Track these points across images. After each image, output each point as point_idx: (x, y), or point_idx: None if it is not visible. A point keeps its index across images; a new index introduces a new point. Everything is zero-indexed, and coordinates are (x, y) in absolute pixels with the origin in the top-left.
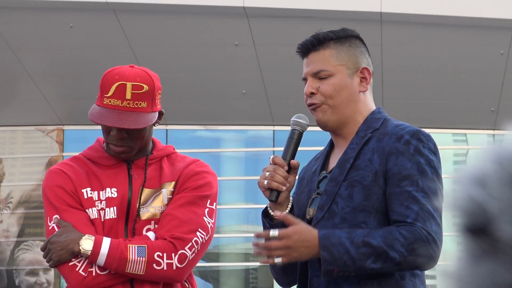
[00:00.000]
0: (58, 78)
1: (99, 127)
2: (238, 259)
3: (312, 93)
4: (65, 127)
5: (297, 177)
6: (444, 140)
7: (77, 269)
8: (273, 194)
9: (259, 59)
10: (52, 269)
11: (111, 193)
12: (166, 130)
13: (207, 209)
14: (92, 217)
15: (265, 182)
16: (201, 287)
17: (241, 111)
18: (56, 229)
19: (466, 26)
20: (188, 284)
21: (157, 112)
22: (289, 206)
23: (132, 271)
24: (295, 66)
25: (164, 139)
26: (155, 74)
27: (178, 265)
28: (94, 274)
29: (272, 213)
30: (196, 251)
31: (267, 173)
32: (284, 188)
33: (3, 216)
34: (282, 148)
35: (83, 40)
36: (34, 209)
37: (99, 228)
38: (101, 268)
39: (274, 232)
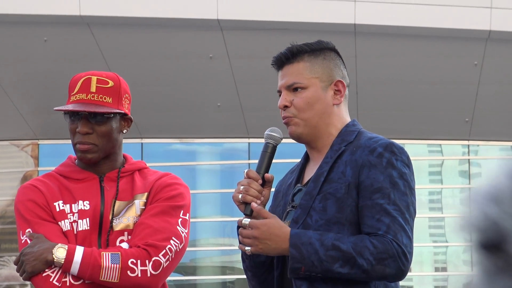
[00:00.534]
0: (32, 91)
1: None
2: (215, 272)
3: (286, 106)
4: (40, 142)
5: (272, 189)
6: (419, 151)
7: (50, 280)
8: (248, 208)
9: (233, 72)
10: (29, 284)
11: (84, 205)
12: (142, 143)
13: (180, 219)
14: (65, 229)
15: (240, 196)
16: None
17: (216, 123)
18: (29, 242)
19: (440, 37)
20: None
21: (124, 114)
22: None
23: (106, 278)
24: (270, 78)
25: (140, 152)
26: (124, 80)
27: (153, 272)
28: (68, 284)
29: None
30: (170, 259)
31: (242, 187)
32: (258, 201)
33: None
34: (258, 161)
35: (57, 53)
36: (10, 225)
37: (72, 240)
38: (75, 278)
39: (245, 221)
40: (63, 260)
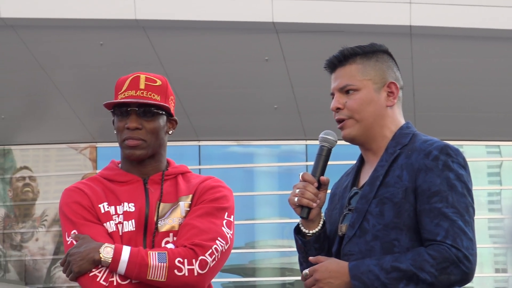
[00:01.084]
0: (89, 95)
1: None
2: (274, 274)
3: (338, 108)
4: (98, 145)
5: (328, 191)
6: (478, 152)
7: (98, 279)
8: (304, 211)
9: (289, 74)
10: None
11: (129, 207)
12: (199, 146)
13: (225, 221)
14: (110, 231)
15: (296, 199)
16: None
17: (273, 125)
18: (75, 243)
19: (497, 38)
20: None
21: (170, 115)
22: (321, 222)
23: (154, 277)
24: (326, 80)
25: (197, 155)
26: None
27: (200, 271)
28: (115, 283)
29: (304, 230)
30: (216, 259)
31: (297, 190)
32: (314, 204)
33: (38, 234)
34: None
35: (113, 57)
36: None
37: (118, 241)
38: (122, 278)
39: (305, 272)
40: (110, 259)
